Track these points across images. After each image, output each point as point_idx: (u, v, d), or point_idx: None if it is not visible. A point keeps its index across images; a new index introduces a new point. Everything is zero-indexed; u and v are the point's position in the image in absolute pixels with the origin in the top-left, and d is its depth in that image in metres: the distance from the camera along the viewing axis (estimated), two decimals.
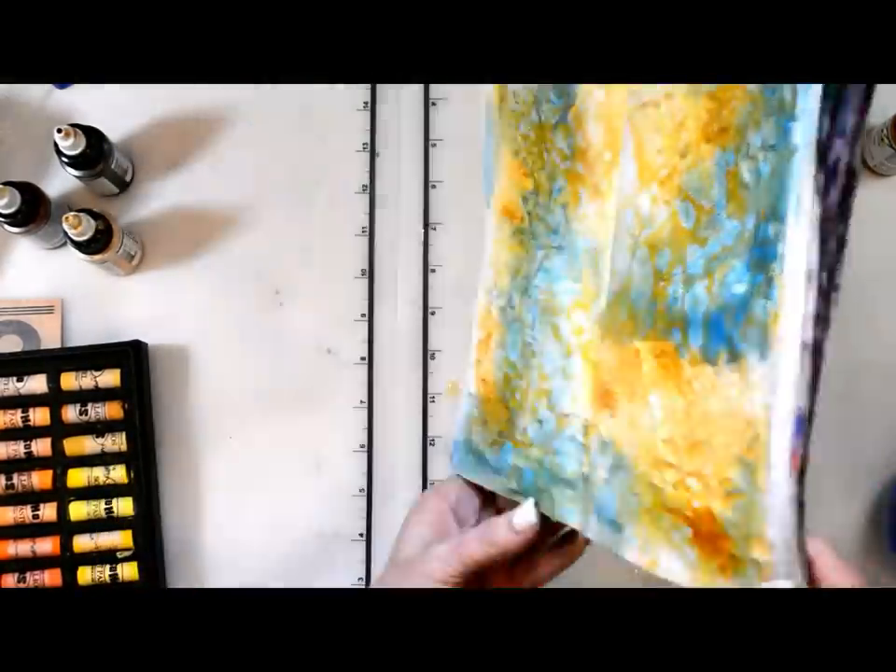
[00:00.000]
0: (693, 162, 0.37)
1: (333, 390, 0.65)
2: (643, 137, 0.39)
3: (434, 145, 0.67)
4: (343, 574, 0.63)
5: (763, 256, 0.34)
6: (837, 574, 0.35)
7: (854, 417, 0.64)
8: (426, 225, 0.66)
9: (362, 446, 0.64)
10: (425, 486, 0.64)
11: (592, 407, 0.42)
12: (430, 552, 0.45)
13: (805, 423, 0.33)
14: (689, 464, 0.36)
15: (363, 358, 0.65)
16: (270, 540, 0.63)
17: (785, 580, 0.34)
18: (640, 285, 0.39)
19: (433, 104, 0.67)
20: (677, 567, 0.37)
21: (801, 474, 0.33)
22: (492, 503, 0.50)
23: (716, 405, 0.35)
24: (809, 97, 0.32)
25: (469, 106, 0.67)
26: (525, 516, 0.43)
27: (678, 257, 0.37)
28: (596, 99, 0.42)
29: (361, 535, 0.64)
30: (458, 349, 0.65)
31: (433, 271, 0.66)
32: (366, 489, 0.64)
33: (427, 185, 0.67)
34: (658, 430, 0.37)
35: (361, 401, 0.65)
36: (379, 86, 0.67)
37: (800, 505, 0.34)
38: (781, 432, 0.33)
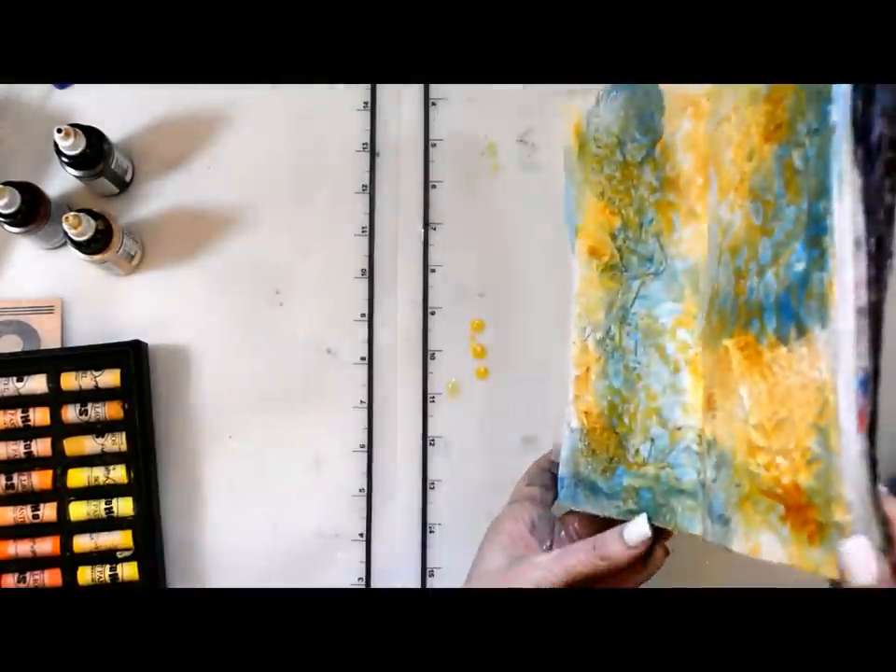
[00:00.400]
0: (757, 165, 0.40)
1: (333, 390, 0.65)
2: (720, 153, 0.43)
3: (434, 145, 0.67)
4: (342, 574, 0.63)
5: (816, 232, 0.36)
6: None
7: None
8: (426, 225, 0.66)
9: (362, 446, 0.64)
10: (425, 486, 0.64)
11: (702, 416, 0.44)
12: (530, 560, 0.46)
13: (869, 382, 0.34)
14: (776, 443, 0.38)
15: (363, 358, 0.65)
16: (270, 540, 0.63)
17: (863, 536, 0.34)
18: (725, 287, 0.42)
19: (433, 104, 0.67)
20: (776, 547, 0.38)
21: (871, 432, 0.34)
22: (571, 523, 0.50)
23: (793, 381, 0.37)
24: (842, 93, 0.36)
25: (470, 106, 0.67)
26: (638, 530, 0.44)
27: (752, 253, 0.40)
28: (684, 130, 0.46)
29: (361, 535, 0.64)
30: (458, 349, 0.65)
31: (433, 271, 0.66)
32: (366, 489, 0.64)
33: (427, 185, 0.66)
34: (749, 418, 0.39)
35: (361, 401, 0.65)
36: (379, 86, 0.67)
37: (872, 461, 0.34)
38: (846, 394, 0.35)
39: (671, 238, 0.46)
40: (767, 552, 0.38)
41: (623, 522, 0.45)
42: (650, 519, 0.44)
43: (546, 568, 0.44)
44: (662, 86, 0.47)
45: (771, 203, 0.39)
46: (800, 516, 0.37)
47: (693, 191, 0.46)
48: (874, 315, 0.34)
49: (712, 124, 0.44)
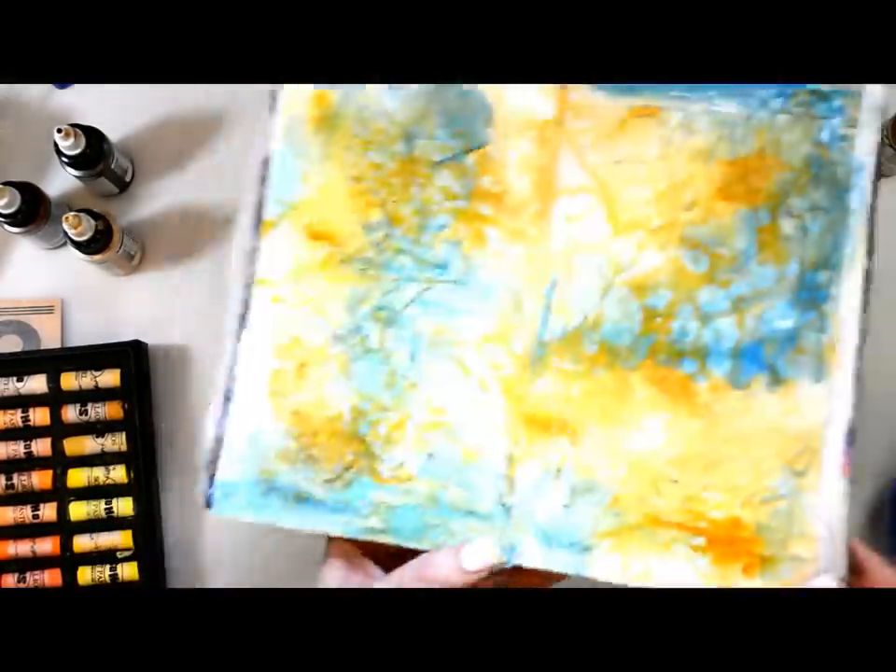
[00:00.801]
0: (702, 217, 0.43)
1: None
2: (616, 191, 0.45)
3: None
4: None
5: (811, 297, 0.41)
6: (879, 568, 0.39)
7: (854, 417, 0.64)
8: None
9: None
10: None
11: (519, 440, 0.43)
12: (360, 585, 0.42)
13: (853, 434, 0.41)
14: (705, 479, 0.41)
15: None
16: (269, 540, 0.63)
17: (826, 574, 0.38)
18: (619, 321, 0.44)
19: None
20: (680, 575, 0.40)
21: (850, 480, 0.40)
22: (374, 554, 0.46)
23: (750, 424, 0.41)
24: (864, 176, 0.42)
25: None
26: (481, 554, 0.40)
27: (683, 297, 0.43)
28: (522, 150, 0.46)
29: None
30: None
31: None
32: None
33: None
34: (660, 451, 0.42)
35: None
36: None
37: (847, 505, 0.39)
38: (835, 443, 0.41)
39: (485, 251, 0.45)
40: (665, 579, 0.40)
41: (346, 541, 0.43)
42: (416, 541, 0.42)
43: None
44: (490, 97, 0.47)
45: (726, 257, 0.43)
46: (732, 548, 0.40)
47: (526, 213, 0.45)
48: (860, 376, 0.41)
49: (597, 158, 0.45)
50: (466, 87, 0.47)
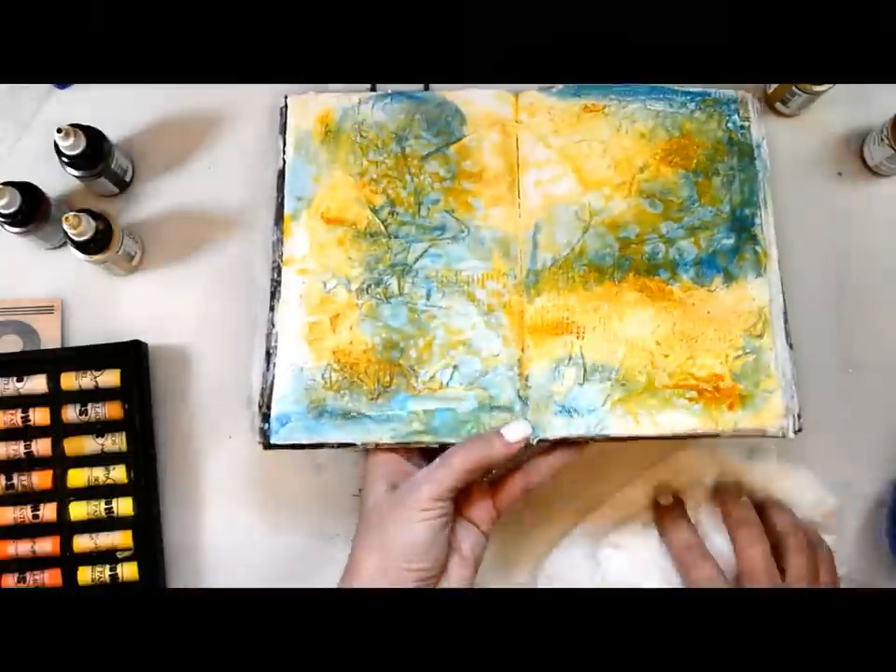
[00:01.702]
0: (652, 176, 0.61)
1: None
2: (581, 161, 0.61)
3: None
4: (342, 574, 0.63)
5: (742, 224, 0.60)
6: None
7: (854, 417, 0.64)
8: None
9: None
10: None
11: (526, 347, 0.58)
12: (413, 479, 0.50)
13: (786, 307, 0.59)
14: (689, 350, 0.57)
15: None
16: (269, 540, 0.63)
17: (786, 398, 0.56)
18: (601, 249, 0.59)
19: None
20: (683, 420, 0.55)
21: (787, 333, 0.58)
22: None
23: (715, 308, 0.58)
24: (762, 149, 0.62)
25: None
26: (519, 429, 0.52)
27: (648, 229, 0.60)
28: (492, 140, 0.61)
29: None
30: None
31: None
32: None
33: None
34: (651, 335, 0.57)
35: None
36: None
37: (790, 346, 0.58)
38: (778, 315, 0.58)
39: (473, 215, 0.60)
40: (670, 426, 0.55)
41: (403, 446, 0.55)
42: (455, 436, 0.55)
43: (430, 480, 0.49)
44: (460, 105, 0.62)
45: (675, 202, 0.60)
46: (717, 394, 0.56)
47: (502, 184, 0.61)
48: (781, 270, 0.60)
49: (561, 140, 0.61)
50: (440, 98, 0.62)
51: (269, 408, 0.57)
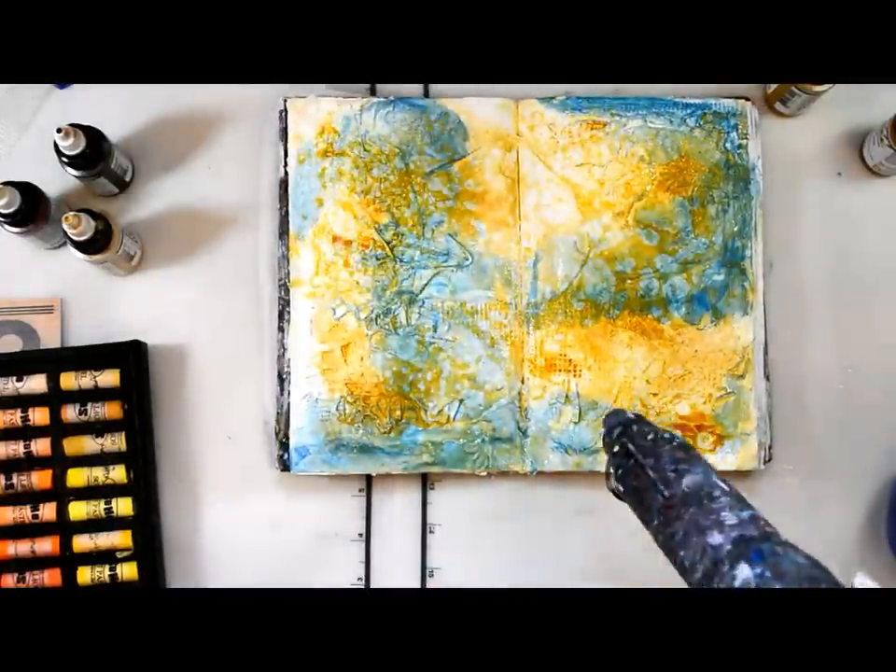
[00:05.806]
0: (649, 204, 0.62)
1: None
2: (580, 187, 0.62)
3: None
4: (342, 574, 0.63)
5: (733, 257, 0.62)
6: None
7: (854, 417, 0.64)
8: None
9: None
10: (424, 486, 0.64)
11: (526, 380, 0.61)
12: None
13: (767, 347, 0.62)
14: (675, 389, 0.61)
15: None
16: (269, 540, 0.63)
17: (760, 435, 0.61)
18: (598, 284, 0.61)
19: None
20: None
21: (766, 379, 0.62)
22: None
23: (702, 347, 0.61)
24: (757, 172, 0.63)
25: None
26: None
27: (644, 263, 0.62)
28: (494, 157, 0.62)
29: (361, 535, 0.64)
30: None
31: None
32: (365, 489, 0.64)
33: None
34: (644, 373, 0.61)
35: None
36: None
37: (768, 393, 0.62)
38: (759, 354, 0.62)
39: (475, 240, 0.61)
40: None
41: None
42: (460, 466, 0.60)
43: None
44: (461, 115, 0.62)
45: (671, 233, 0.62)
46: (699, 432, 0.60)
47: (503, 206, 0.62)
48: (766, 310, 0.62)
49: (560, 165, 0.62)
50: (441, 108, 0.62)
51: (287, 437, 0.60)
